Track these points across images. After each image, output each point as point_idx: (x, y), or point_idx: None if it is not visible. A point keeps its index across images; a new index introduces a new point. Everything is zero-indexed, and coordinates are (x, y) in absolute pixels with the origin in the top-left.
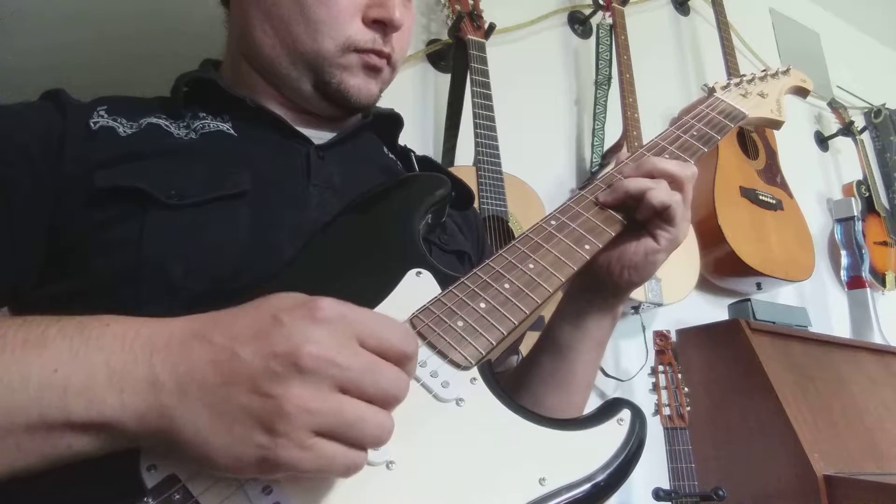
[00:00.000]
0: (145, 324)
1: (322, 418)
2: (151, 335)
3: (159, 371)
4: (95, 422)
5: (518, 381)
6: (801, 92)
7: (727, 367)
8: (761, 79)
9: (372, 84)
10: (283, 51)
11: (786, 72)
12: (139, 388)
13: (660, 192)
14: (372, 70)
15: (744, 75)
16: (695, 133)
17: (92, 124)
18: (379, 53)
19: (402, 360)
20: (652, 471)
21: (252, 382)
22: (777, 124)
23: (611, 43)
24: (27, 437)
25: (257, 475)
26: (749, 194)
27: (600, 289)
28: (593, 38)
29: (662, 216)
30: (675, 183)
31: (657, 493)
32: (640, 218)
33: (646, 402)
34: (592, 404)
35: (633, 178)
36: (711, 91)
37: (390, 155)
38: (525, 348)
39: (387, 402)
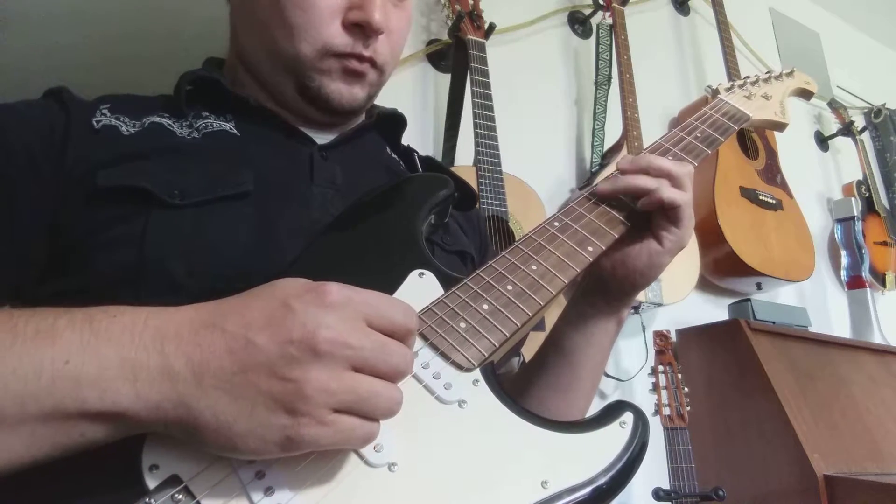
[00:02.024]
0: (152, 314)
1: (340, 396)
2: (160, 325)
3: (173, 361)
4: (109, 411)
5: (523, 385)
6: (805, 94)
7: (727, 367)
8: (765, 80)
9: (356, 89)
10: (265, 55)
11: (790, 73)
12: (153, 379)
13: (666, 190)
14: (353, 75)
15: (747, 77)
16: (698, 135)
17: (95, 123)
18: (359, 58)
19: (406, 336)
20: (652, 471)
21: (270, 368)
22: (781, 126)
23: (611, 43)
24: (41, 426)
25: (280, 454)
26: (749, 194)
27: (604, 292)
28: (593, 38)
29: (669, 216)
30: (674, 181)
31: (657, 493)
32: (640, 207)
33: (646, 403)
34: (593, 405)
35: (636, 176)
36: (715, 93)
37: (393, 155)
38: (527, 350)
39: (396, 376)
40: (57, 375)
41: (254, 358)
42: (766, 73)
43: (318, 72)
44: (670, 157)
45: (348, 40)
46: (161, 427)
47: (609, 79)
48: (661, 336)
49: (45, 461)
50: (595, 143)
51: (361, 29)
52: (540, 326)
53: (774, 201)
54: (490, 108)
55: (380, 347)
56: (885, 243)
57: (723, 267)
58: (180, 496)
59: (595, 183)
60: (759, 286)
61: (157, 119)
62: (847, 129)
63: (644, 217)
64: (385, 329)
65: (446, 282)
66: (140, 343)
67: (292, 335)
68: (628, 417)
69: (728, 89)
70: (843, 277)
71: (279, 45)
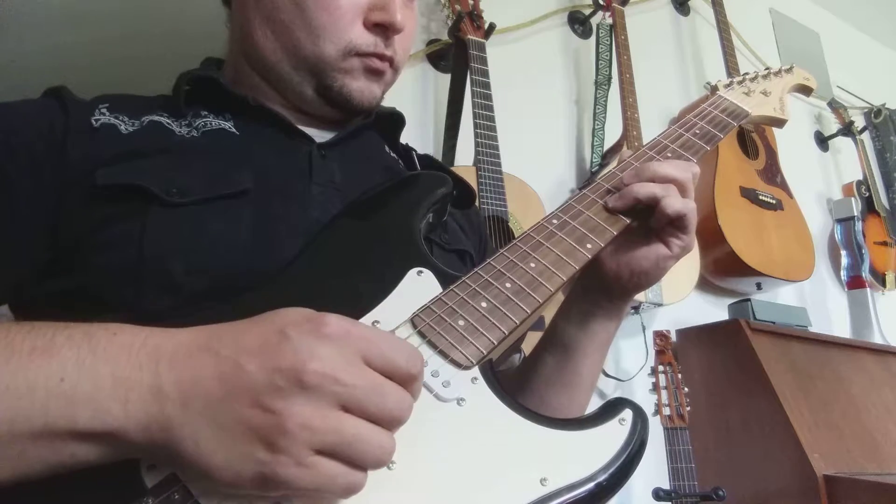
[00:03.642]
0: (152, 334)
1: (322, 436)
2: (158, 345)
3: (164, 381)
4: (100, 431)
5: (522, 382)
6: (805, 90)
7: (727, 367)
8: (764, 77)
9: (374, 87)
10: (285, 55)
11: (789, 70)
12: (143, 398)
13: (674, 201)
14: (374, 73)
15: (746, 73)
16: (697, 131)
17: (94, 122)
18: (381, 57)
19: (408, 381)
20: (652, 471)
21: (254, 396)
22: (780, 122)
23: (611, 43)
24: (32, 445)
25: (256, 492)
26: (749, 194)
27: (607, 291)
28: (593, 38)
29: (676, 224)
30: (679, 187)
31: (657, 493)
32: (654, 226)
33: (646, 402)
34: (592, 404)
35: (642, 184)
36: (714, 89)
37: (392, 154)
38: (527, 348)
39: (390, 422)
40: (51, 394)
41: (240, 384)
42: (766, 69)
43: (340, 71)
44: (669, 154)
45: (371, 39)
46: (151, 450)
47: (609, 79)
48: (661, 336)
49: (36, 479)
50: (595, 143)
51: (383, 29)
52: (539, 325)
53: (774, 201)
54: (490, 108)
55: (374, 388)
56: (885, 243)
57: (723, 267)
58: (178, 495)
59: (596, 182)
60: (759, 286)
61: (156, 118)
62: (847, 129)
63: (644, 214)
64: (384, 370)
65: (444, 280)
66: (136, 362)
67: (280, 363)
68: (627, 414)
69: (727, 86)
70: (843, 277)
71: (302, 46)
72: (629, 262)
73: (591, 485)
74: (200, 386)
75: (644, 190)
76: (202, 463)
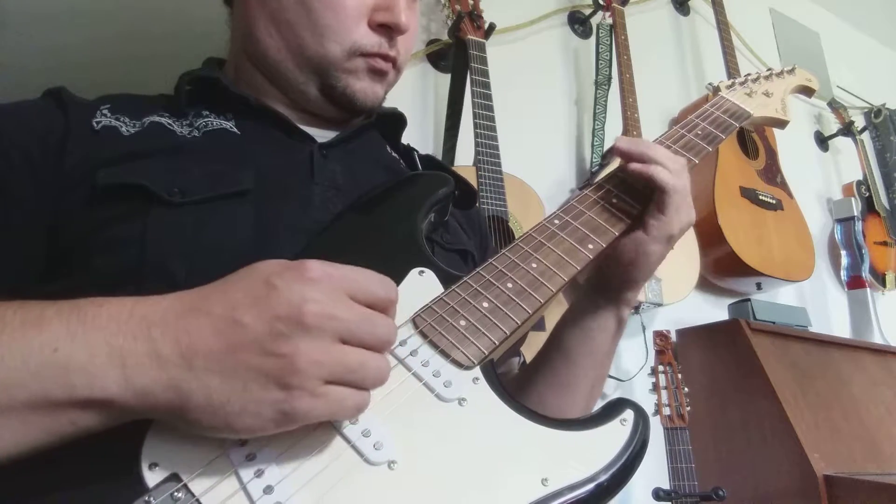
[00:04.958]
0: (138, 303)
1: (330, 368)
2: (146, 313)
3: (161, 346)
4: (98, 398)
5: (524, 383)
6: (807, 91)
7: (727, 367)
8: (766, 78)
9: (377, 87)
10: (289, 54)
11: (791, 71)
12: (142, 364)
13: (661, 171)
14: (377, 74)
15: (749, 74)
16: (699, 132)
17: (94, 124)
18: (385, 57)
19: (388, 307)
20: (652, 471)
21: (260, 345)
22: (782, 124)
23: (611, 43)
24: (31, 414)
25: (276, 430)
26: (749, 194)
27: (605, 290)
28: (593, 38)
29: (656, 201)
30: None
31: (657, 493)
32: (631, 170)
33: (646, 402)
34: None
35: (649, 149)
36: (716, 90)
37: (393, 153)
38: (527, 351)
39: (382, 346)
40: (45, 363)
41: (242, 337)
42: (768, 70)
43: (344, 71)
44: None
45: (376, 40)
46: (151, 413)
47: (609, 79)
48: (661, 336)
49: (42, 449)
50: (595, 143)
51: (388, 29)
52: (540, 326)
53: (774, 201)
54: (490, 108)
55: (365, 319)
56: (885, 243)
57: (723, 267)
58: (180, 494)
59: (597, 182)
60: (759, 286)
61: (157, 119)
62: (847, 129)
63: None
64: (367, 301)
65: (446, 280)
66: (127, 330)
67: (279, 311)
68: (629, 415)
69: (729, 87)
70: (843, 277)
71: (307, 46)
72: (616, 256)
73: (592, 485)
74: (200, 344)
75: (651, 152)
76: (219, 414)
